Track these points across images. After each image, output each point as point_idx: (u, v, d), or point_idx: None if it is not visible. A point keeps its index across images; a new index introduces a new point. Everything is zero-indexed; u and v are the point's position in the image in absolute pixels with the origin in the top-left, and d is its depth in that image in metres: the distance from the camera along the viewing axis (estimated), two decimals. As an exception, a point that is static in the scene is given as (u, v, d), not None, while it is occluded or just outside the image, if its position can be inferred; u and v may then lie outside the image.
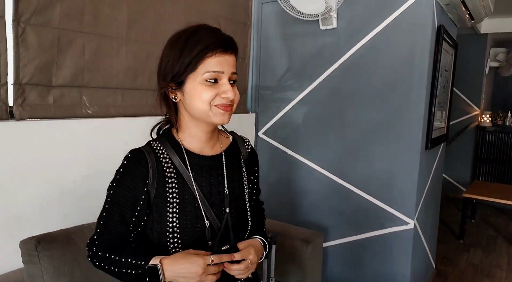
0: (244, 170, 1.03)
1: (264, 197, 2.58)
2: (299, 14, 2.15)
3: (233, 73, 0.89)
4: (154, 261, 0.85)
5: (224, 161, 0.97)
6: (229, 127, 2.64)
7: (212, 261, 0.85)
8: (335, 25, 2.19)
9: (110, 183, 0.91)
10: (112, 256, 0.89)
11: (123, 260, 0.88)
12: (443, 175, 4.82)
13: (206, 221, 0.90)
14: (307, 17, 2.15)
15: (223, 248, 0.90)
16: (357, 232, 2.26)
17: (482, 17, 2.43)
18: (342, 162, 2.28)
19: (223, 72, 0.86)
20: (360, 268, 2.27)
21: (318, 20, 2.21)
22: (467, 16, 2.35)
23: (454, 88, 4.73)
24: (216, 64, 0.85)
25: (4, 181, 1.32)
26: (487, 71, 4.77)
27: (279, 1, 2.13)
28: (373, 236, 2.20)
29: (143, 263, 0.85)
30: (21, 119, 1.38)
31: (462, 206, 3.61)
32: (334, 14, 2.15)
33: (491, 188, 3.79)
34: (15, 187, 1.35)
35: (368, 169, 2.18)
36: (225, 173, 0.97)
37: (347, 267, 2.32)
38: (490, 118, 4.77)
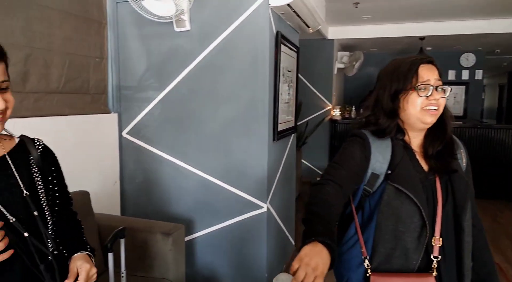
0: (36, 171, 1.02)
1: (132, 196, 2.60)
2: (151, 16, 2.21)
3: (2, 81, 0.88)
4: None
5: (10, 162, 0.97)
6: (90, 127, 2.54)
7: None
8: (188, 27, 2.31)
9: None
10: None
11: None
12: (304, 161, 5.46)
13: (10, 218, 0.89)
14: (161, 19, 2.22)
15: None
16: (220, 221, 2.44)
17: (316, 25, 2.85)
18: (203, 156, 2.43)
19: None
20: (226, 255, 2.46)
21: (172, 22, 2.31)
22: (304, 24, 2.73)
23: (311, 87, 5.41)
24: None
25: None
26: (335, 72, 5.55)
27: (131, 2, 2.15)
28: (234, 222, 2.41)
29: None
30: None
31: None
32: (186, 17, 2.27)
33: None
34: None
35: (226, 161, 2.38)
36: (16, 175, 0.96)
37: (214, 256, 2.48)
38: (340, 112, 5.57)
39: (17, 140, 1.02)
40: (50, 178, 1.05)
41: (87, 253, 1.03)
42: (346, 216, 1.21)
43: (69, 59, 2.21)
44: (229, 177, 2.38)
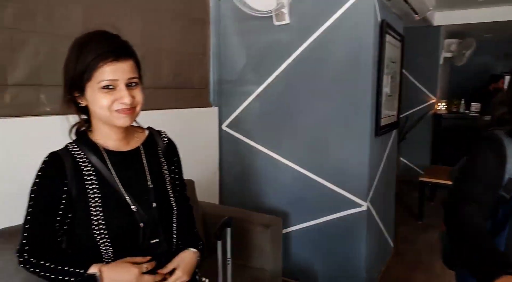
0: (163, 161, 1.08)
1: (229, 187, 2.71)
2: (253, 11, 2.24)
3: (131, 78, 0.92)
4: (93, 269, 0.90)
5: (143, 154, 1.03)
6: (193, 120, 2.70)
7: (147, 268, 0.94)
8: (287, 20, 2.30)
9: (31, 187, 0.93)
10: (48, 264, 0.91)
11: (59, 267, 0.91)
12: (403, 159, 5.09)
13: (132, 206, 0.95)
14: (261, 14, 2.25)
15: (152, 242, 0.98)
16: (316, 217, 2.39)
17: (425, 11, 2.60)
18: (300, 150, 2.40)
19: (117, 80, 0.90)
20: (322, 251, 2.41)
21: (271, 16, 2.32)
22: (411, 10, 2.52)
23: (412, 79, 5.00)
24: (110, 72, 0.89)
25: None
26: (441, 62, 5.04)
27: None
28: (331, 219, 2.34)
29: (81, 271, 0.90)
30: (-24, 118, 1.41)
31: (418, 189, 3.84)
32: (286, 10, 2.26)
33: (446, 171, 4.04)
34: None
35: (324, 156, 2.32)
36: (145, 166, 1.02)
37: (310, 250, 2.45)
38: (446, 106, 5.05)
39: (147, 132, 1.10)
40: (173, 167, 1.13)
41: (195, 252, 1.08)
42: None
43: (176, 57, 2.37)
44: (327, 172, 2.32)
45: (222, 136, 2.71)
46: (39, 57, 1.60)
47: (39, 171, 0.93)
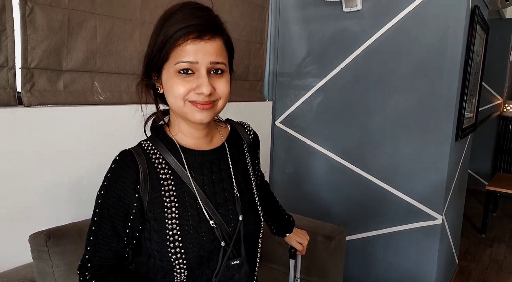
0: (248, 159, 0.90)
1: (280, 187, 2.51)
2: (321, -5, 2.02)
3: (215, 62, 0.73)
4: None
5: (228, 152, 0.85)
6: (245, 115, 2.54)
7: None
8: (359, 7, 2.05)
9: (98, 191, 0.78)
10: None
11: None
12: (463, 166, 4.68)
13: (211, 222, 0.78)
14: (330, -1, 2.02)
15: (232, 263, 0.80)
16: (379, 227, 2.15)
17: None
18: (364, 152, 2.16)
19: (197, 63, 0.72)
20: (383, 265, 2.17)
21: (341, 1, 2.08)
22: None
23: (476, 76, 4.56)
24: (190, 52, 0.71)
25: (12, 170, 1.24)
26: (511, 59, 4.57)
27: (301, -19, 1.99)
28: (397, 231, 2.09)
29: None
30: (29, 105, 1.29)
31: (485, 199, 3.48)
32: (359, -5, 2.01)
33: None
34: (23, 177, 1.27)
35: (393, 160, 2.06)
36: (231, 168, 0.85)
37: (369, 263, 2.22)
38: (513, 108, 4.58)
39: (229, 126, 0.93)
40: (257, 161, 0.97)
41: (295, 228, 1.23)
42: None
43: (236, 44, 2.18)
44: (396, 179, 2.06)
45: (275, 133, 2.52)
46: (96, 41, 1.46)
47: (108, 172, 0.77)
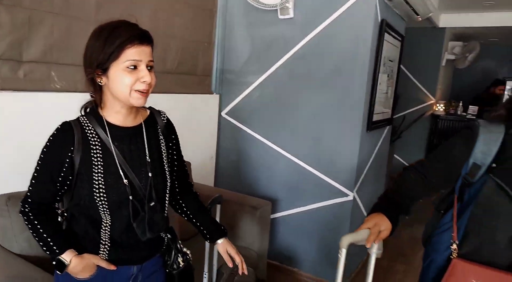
0: (162, 138, 1.20)
1: (224, 171, 2.83)
2: (259, 4, 2.33)
3: (150, 61, 1.04)
4: (66, 255, 1.05)
5: (144, 130, 1.16)
6: (195, 106, 2.79)
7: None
8: (291, 15, 2.39)
9: (42, 148, 1.05)
10: (39, 226, 1.06)
11: (44, 235, 1.06)
12: (397, 157, 5.20)
13: (125, 181, 1.07)
14: (266, 7, 2.34)
15: (151, 205, 1.11)
16: (305, 204, 2.52)
17: (427, 13, 2.68)
18: (294, 140, 2.52)
19: (141, 61, 1.01)
20: (307, 237, 2.54)
21: (276, 10, 2.41)
22: (413, 11, 2.60)
23: (412, 78, 5.08)
24: (135, 53, 1.00)
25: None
26: (444, 63, 5.11)
27: (240, -9, 2.30)
28: (319, 207, 2.47)
29: (57, 251, 1.05)
30: (-7, 90, 1.53)
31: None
32: (290, 5, 2.34)
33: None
34: (-12, 151, 1.51)
35: (316, 147, 2.43)
36: (145, 141, 1.14)
37: (296, 236, 2.59)
38: (444, 108, 5.14)
39: (148, 111, 1.23)
40: (170, 144, 1.25)
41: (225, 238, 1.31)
42: (449, 203, 1.24)
43: (183, 43, 2.47)
44: (318, 162, 2.44)
45: (221, 123, 2.83)
46: (53, 37, 1.70)
47: (51, 136, 1.06)
